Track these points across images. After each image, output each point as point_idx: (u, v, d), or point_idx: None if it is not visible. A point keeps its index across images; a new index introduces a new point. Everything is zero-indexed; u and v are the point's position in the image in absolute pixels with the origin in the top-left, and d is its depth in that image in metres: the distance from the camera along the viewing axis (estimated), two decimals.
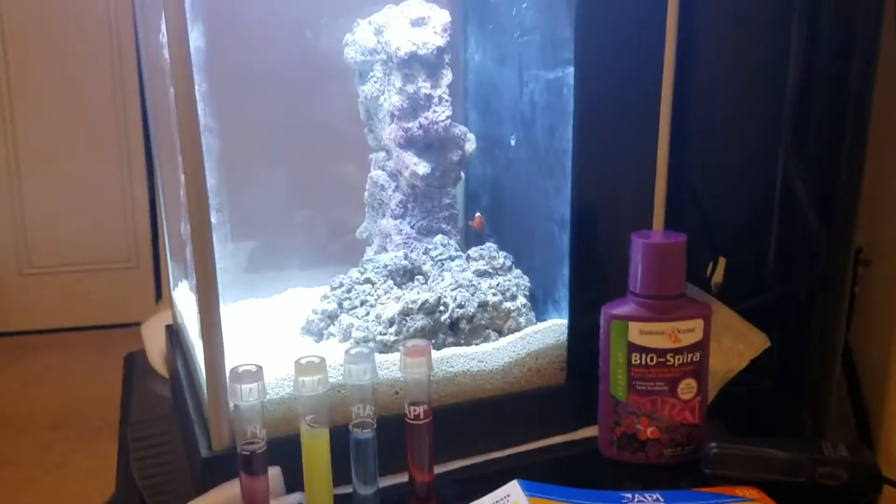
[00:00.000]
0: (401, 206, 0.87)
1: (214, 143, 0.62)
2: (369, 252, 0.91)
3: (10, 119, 2.62)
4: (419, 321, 0.74)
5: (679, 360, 0.69)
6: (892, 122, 0.85)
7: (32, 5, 2.58)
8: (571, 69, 0.70)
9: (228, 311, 0.64)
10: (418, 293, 0.75)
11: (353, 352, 0.61)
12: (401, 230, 0.86)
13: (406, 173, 0.85)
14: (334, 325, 0.78)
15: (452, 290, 0.76)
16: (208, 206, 0.59)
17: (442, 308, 0.75)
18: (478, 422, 0.73)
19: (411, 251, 0.85)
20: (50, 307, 2.84)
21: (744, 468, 0.67)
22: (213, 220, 0.62)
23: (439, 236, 0.85)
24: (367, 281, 0.80)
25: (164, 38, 0.74)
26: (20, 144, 2.69)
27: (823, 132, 0.82)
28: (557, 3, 0.71)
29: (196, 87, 0.59)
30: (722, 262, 0.98)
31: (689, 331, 0.69)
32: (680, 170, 0.78)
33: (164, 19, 0.60)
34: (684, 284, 0.69)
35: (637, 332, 0.68)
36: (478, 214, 0.91)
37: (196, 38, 0.59)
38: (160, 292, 2.88)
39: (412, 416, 0.62)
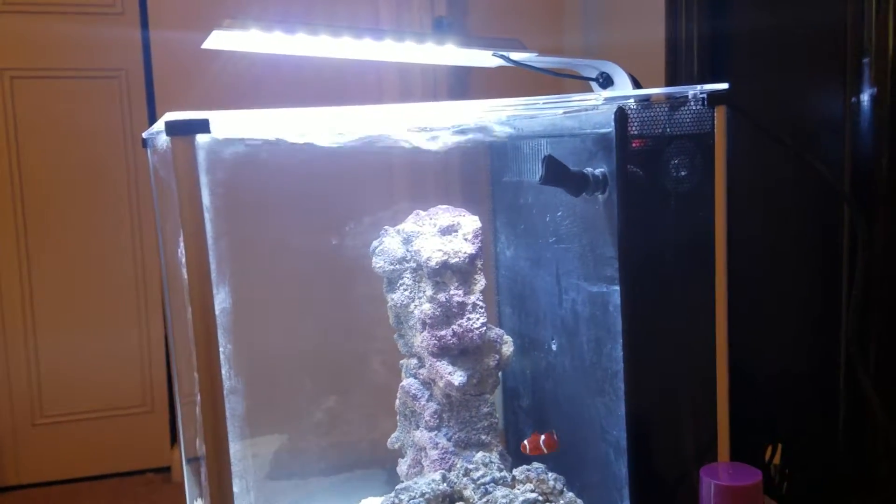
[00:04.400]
0: (435, 416, 0.81)
1: (238, 405, 0.57)
2: (402, 465, 0.85)
3: (26, 268, 2.62)
4: None
5: None
6: None
7: (51, 159, 2.63)
8: (616, 287, 0.66)
9: None
10: None
11: None
12: (437, 444, 0.80)
13: (440, 383, 0.79)
14: None
15: None
16: (231, 482, 0.53)
17: None
18: None
19: (449, 469, 0.78)
20: (64, 457, 2.75)
21: None
22: (235, 488, 0.56)
23: (480, 454, 0.78)
24: None
25: (181, 258, 0.70)
26: (36, 295, 2.68)
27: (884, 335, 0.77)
28: (596, 218, 0.68)
29: (221, 350, 0.55)
30: (780, 447, 0.92)
31: None
32: (739, 360, 0.72)
33: (181, 238, 0.57)
34: None
35: None
36: (542, 437, 0.80)
37: (222, 300, 0.56)
38: (175, 437, 2.79)
39: None
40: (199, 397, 0.61)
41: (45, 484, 2.76)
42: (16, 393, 2.68)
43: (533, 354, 0.83)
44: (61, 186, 2.69)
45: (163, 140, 0.63)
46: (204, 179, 0.56)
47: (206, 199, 0.56)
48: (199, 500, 0.86)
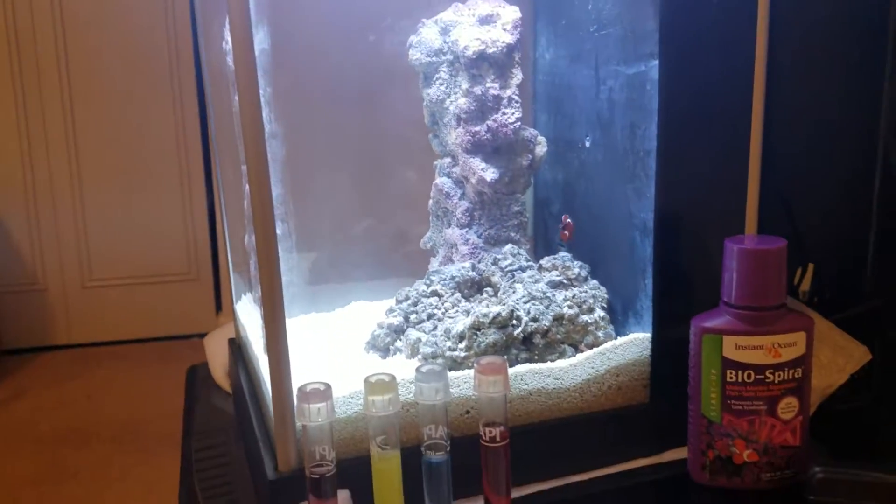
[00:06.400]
0: (467, 214, 0.83)
1: (279, 149, 0.59)
2: (434, 263, 0.87)
3: (72, 134, 2.68)
4: (491, 336, 0.69)
5: (779, 376, 0.63)
6: None
7: (93, 21, 2.65)
8: (655, 63, 0.65)
9: (291, 325, 0.61)
10: (489, 306, 0.71)
11: (423, 370, 0.57)
12: (467, 240, 0.82)
13: (473, 179, 0.81)
14: (401, 339, 0.75)
15: (525, 302, 0.72)
16: (273, 216, 0.55)
17: (515, 322, 0.70)
18: (554, 443, 0.68)
19: (479, 262, 0.81)
20: (113, 319, 2.89)
21: (853, 495, 0.61)
22: (278, 230, 0.59)
23: (509, 246, 0.80)
24: (434, 293, 0.76)
25: (227, 45, 0.71)
26: (82, 159, 2.75)
27: None
28: None
29: (261, 92, 0.56)
30: (810, 268, 0.92)
31: (790, 345, 0.63)
32: (766, 169, 0.72)
33: (227, 24, 0.58)
34: (785, 294, 0.63)
35: (732, 347, 0.62)
36: (567, 221, 0.82)
37: (261, 39, 0.56)
38: (220, 304, 2.90)
39: (488, 438, 0.58)
40: (246, 187, 0.62)
41: (94, 344, 2.91)
42: (65, 256, 2.80)
43: (566, 158, 0.84)
44: (105, 54, 2.71)
45: None
46: None
47: None
48: (246, 293, 0.90)
